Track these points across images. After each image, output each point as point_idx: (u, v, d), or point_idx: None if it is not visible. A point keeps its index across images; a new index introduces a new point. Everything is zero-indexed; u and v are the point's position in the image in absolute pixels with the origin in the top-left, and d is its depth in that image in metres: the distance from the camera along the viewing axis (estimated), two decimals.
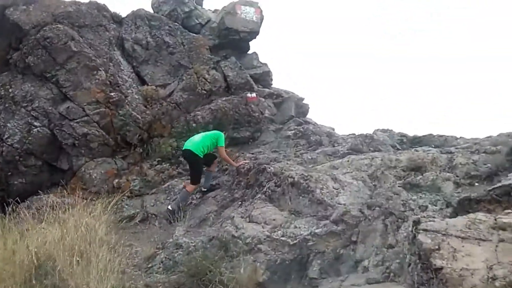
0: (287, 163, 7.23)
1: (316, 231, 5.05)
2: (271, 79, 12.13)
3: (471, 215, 3.53)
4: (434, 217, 3.65)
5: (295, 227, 5.30)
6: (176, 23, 10.35)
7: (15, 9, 8.51)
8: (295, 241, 5.08)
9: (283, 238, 5.17)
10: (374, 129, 11.31)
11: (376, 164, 6.45)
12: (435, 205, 4.35)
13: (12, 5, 8.57)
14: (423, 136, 9.33)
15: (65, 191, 7.96)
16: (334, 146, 8.64)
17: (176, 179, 8.38)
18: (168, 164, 8.76)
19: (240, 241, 5.21)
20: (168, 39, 9.86)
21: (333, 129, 11.22)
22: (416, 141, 9.17)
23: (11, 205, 6.45)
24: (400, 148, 8.53)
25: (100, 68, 8.40)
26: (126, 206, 7.89)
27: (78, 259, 5.04)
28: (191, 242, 5.55)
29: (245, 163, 7.50)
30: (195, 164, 7.31)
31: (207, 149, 7.40)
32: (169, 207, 7.16)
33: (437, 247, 3.15)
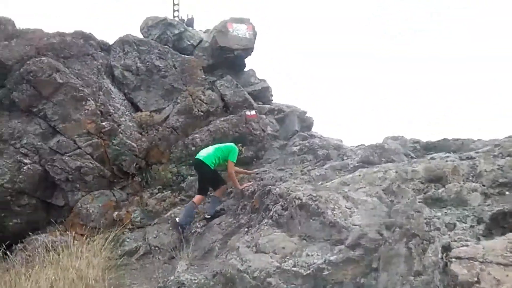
0: (294, 182, 6.69)
1: (331, 258, 4.48)
2: (271, 95, 11.73)
3: (511, 235, 2.97)
4: (466, 240, 3.09)
5: (307, 255, 4.73)
6: (166, 46, 10.02)
7: None
8: (308, 271, 4.50)
9: (294, 269, 4.60)
10: (384, 138, 10.82)
11: (391, 177, 5.88)
12: (464, 222, 3.77)
13: None
14: (437, 141, 8.76)
15: (62, 229, 7.53)
16: (343, 159, 8.09)
17: (178, 207, 7.88)
18: (169, 192, 8.29)
19: (247, 276, 4.65)
20: (158, 62, 9.49)
21: (341, 141, 10.69)
22: (430, 147, 8.60)
23: (1, 248, 6.04)
24: (414, 156, 7.96)
25: (89, 98, 8.03)
26: (127, 240, 7.40)
27: None
28: (194, 279, 5.00)
29: (249, 185, 6.99)
30: (205, 174, 6.89)
31: (218, 161, 6.95)
32: (177, 219, 6.74)
33: (476, 279, 2.60)
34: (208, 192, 7.15)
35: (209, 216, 7.14)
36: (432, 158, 6.90)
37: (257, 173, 7.60)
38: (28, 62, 7.96)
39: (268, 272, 4.64)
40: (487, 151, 6.51)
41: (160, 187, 8.36)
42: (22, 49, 8.25)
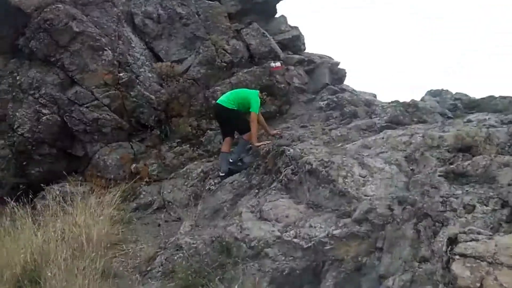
0: (311, 143, 6.25)
1: (335, 232, 4.11)
2: (303, 44, 10.90)
3: None
4: (478, 232, 2.58)
5: (311, 226, 4.39)
6: None
7: None
8: (309, 244, 4.19)
9: (295, 240, 4.31)
10: (426, 91, 9.93)
11: (416, 142, 5.28)
12: (486, 205, 3.21)
13: None
14: (482, 99, 7.85)
15: (82, 179, 7.63)
16: (371, 118, 7.44)
17: (195, 162, 7.70)
18: (188, 145, 8.09)
19: (244, 245, 4.41)
20: (180, 9, 8.95)
21: (375, 96, 9.91)
22: (473, 106, 7.73)
23: (23, 197, 6.18)
24: (451, 116, 7.17)
25: (106, 48, 7.74)
26: (143, 193, 7.39)
27: (68, 263, 4.55)
28: (193, 243, 4.84)
29: (265, 144, 6.62)
30: (226, 116, 6.67)
31: (237, 104, 6.64)
32: (220, 173, 6.66)
33: (478, 284, 2.13)
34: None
35: (231, 166, 6.72)
36: (469, 121, 6.17)
37: (279, 134, 7.17)
38: (45, 9, 7.73)
39: (267, 242, 4.39)
40: None
41: (179, 140, 8.16)
42: None
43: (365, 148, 5.76)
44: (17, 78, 7.67)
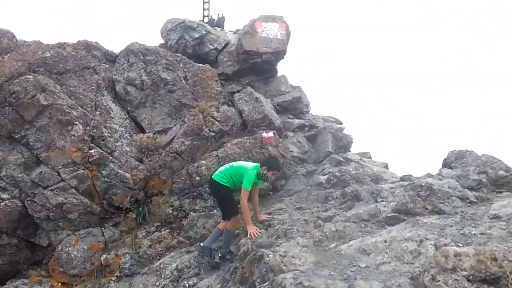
0: (298, 243, 5.09)
1: None
2: (305, 105, 10.01)
3: None
4: None
5: None
6: (178, 54, 8.72)
7: None
8: None
9: None
10: (448, 152, 8.72)
11: (427, 255, 4.09)
12: None
13: None
14: (506, 176, 6.61)
15: (45, 273, 6.67)
16: (376, 201, 6.26)
17: (172, 254, 6.64)
18: (167, 230, 7.09)
19: None
20: (165, 75, 8.22)
21: (386, 166, 8.75)
22: (501, 183, 6.48)
23: None
24: (475, 200, 5.92)
25: (77, 122, 6.99)
26: None
27: None
28: None
29: (259, 232, 5.66)
30: (220, 194, 5.89)
31: (231, 179, 5.83)
32: (202, 243, 5.97)
33: None
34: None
35: (220, 256, 5.88)
36: (496, 217, 4.92)
37: (267, 220, 6.15)
38: (15, 81, 7.12)
39: None
40: None
41: (159, 224, 7.19)
42: (14, 65, 7.45)
43: (363, 253, 4.58)
44: None
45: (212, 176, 5.95)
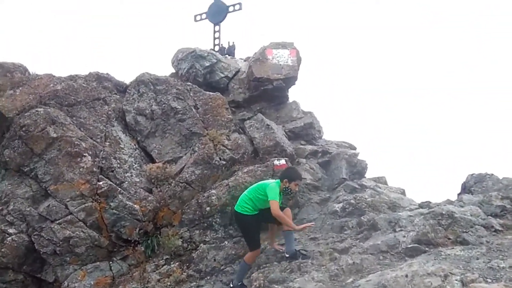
0: (313, 278, 4.80)
1: None
2: (318, 131, 9.81)
3: None
4: None
5: None
6: (188, 83, 8.69)
7: (1, 96, 7.54)
8: None
9: None
10: (467, 176, 8.40)
11: None
12: None
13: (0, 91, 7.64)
14: None
15: None
16: (395, 231, 5.94)
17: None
18: (177, 263, 6.85)
19: None
20: (176, 104, 8.17)
21: (403, 192, 8.43)
22: None
23: None
24: (500, 229, 5.58)
25: (86, 153, 6.93)
26: None
27: None
28: None
29: (311, 225, 6.01)
30: (243, 226, 5.77)
31: (252, 203, 5.63)
32: (231, 284, 5.74)
33: None
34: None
35: (288, 255, 5.72)
36: None
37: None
38: (26, 114, 7.15)
39: None
40: None
41: (168, 257, 6.96)
42: (26, 98, 7.50)
43: None
44: None
45: (235, 208, 5.81)
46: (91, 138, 7.35)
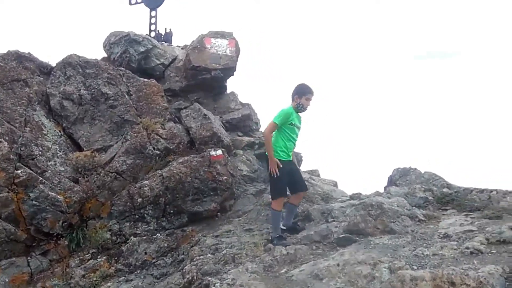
0: (248, 269, 4.75)
1: None
2: (255, 123, 9.79)
3: None
4: None
5: None
6: (121, 68, 8.21)
7: None
8: None
9: None
10: (393, 170, 8.81)
11: (381, 279, 3.90)
12: None
13: None
14: (455, 192, 6.74)
15: None
16: (327, 222, 6.08)
17: (109, 283, 6.03)
18: (105, 258, 6.47)
19: None
20: (107, 89, 7.68)
21: (335, 184, 8.69)
22: (447, 200, 6.57)
23: None
24: (423, 219, 5.91)
25: (1, 139, 6.27)
26: None
27: None
28: None
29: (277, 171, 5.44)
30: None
31: (281, 140, 5.53)
32: (271, 236, 5.54)
33: None
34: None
35: (284, 227, 5.79)
36: (446, 237, 4.88)
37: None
38: None
39: None
40: None
41: (95, 250, 6.56)
42: None
43: (316, 279, 4.32)
44: None
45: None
46: (8, 122, 6.69)
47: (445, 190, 7.03)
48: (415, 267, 3.88)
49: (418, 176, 8.23)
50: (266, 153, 5.56)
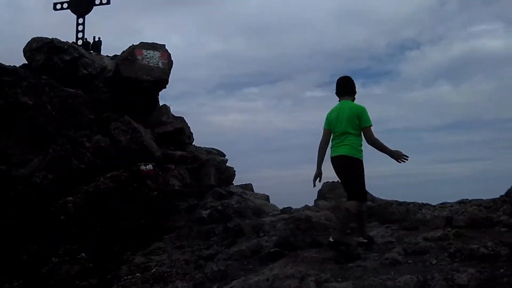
0: None
1: None
2: (188, 137, 9.70)
3: None
4: None
5: None
6: (43, 77, 7.73)
7: None
8: None
9: None
10: (318, 191, 8.82)
11: None
12: None
13: None
14: (378, 206, 7.19)
15: None
16: (259, 236, 6.16)
17: None
18: (20, 282, 5.95)
19: None
20: (26, 99, 7.19)
21: (267, 199, 8.84)
22: (370, 214, 6.89)
23: None
24: (349, 231, 6.19)
25: None
26: None
27: None
28: None
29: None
30: (345, 170, 4.67)
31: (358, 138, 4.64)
32: (331, 238, 4.82)
33: None
34: None
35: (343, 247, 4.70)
36: (368, 249, 5.15)
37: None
38: None
39: None
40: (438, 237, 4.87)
41: (9, 275, 6.01)
42: None
43: None
44: None
45: (340, 153, 4.66)
46: None
47: (369, 203, 7.43)
48: (340, 280, 4.04)
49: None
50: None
